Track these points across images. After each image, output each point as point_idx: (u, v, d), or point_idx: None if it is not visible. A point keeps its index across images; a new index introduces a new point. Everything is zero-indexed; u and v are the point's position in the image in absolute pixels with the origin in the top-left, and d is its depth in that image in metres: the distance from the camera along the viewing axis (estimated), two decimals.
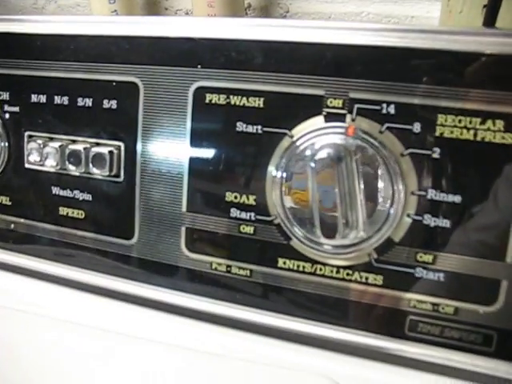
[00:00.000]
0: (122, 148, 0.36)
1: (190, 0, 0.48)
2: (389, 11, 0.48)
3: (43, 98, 0.38)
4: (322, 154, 0.30)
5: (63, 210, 0.38)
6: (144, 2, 0.56)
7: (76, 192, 0.38)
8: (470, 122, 0.29)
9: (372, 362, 0.33)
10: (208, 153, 0.34)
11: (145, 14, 0.56)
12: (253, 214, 0.33)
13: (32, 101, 0.38)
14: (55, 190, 0.38)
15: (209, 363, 0.34)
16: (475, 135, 0.29)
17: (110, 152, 0.36)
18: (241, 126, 0.33)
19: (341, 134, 0.31)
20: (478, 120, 0.29)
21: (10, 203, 0.40)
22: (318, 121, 0.31)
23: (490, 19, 0.41)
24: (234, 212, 0.34)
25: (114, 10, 0.49)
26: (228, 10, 0.47)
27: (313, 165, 0.30)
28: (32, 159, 0.38)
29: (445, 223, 0.30)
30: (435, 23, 0.47)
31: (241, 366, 0.33)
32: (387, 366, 0.33)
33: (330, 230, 0.30)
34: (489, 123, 0.29)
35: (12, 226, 0.41)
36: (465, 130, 0.29)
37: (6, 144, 0.39)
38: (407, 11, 0.48)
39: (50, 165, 0.38)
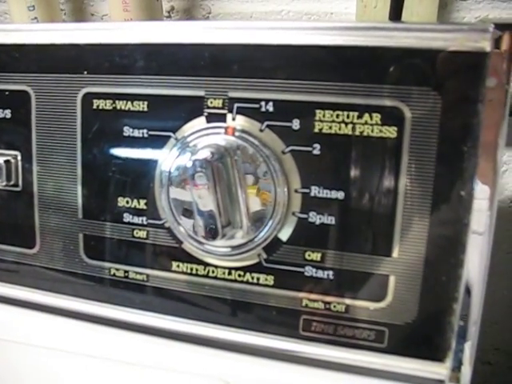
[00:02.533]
0: (19, 157, 0.36)
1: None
2: (308, 8, 0.48)
3: None
4: (202, 155, 0.30)
5: None
6: (70, 9, 0.56)
7: None
8: (348, 117, 0.29)
9: (269, 362, 0.33)
10: (99, 159, 0.34)
11: (70, 20, 0.56)
12: (144, 219, 0.33)
13: None
14: None
15: (104, 366, 0.34)
16: (353, 129, 0.29)
17: (7, 161, 0.36)
18: (127, 131, 0.33)
19: (221, 134, 0.31)
20: (356, 114, 0.29)
21: None
22: (200, 122, 0.31)
23: (395, 14, 0.41)
24: (127, 217, 0.34)
25: (35, 17, 0.49)
26: (144, 15, 0.46)
27: (192, 166, 0.30)
28: None
29: (330, 220, 0.30)
30: (353, 19, 0.47)
31: (136, 369, 0.33)
32: (284, 366, 0.32)
33: (211, 232, 0.30)
34: (366, 117, 0.29)
35: None
36: (343, 125, 0.29)
37: None
38: (326, 8, 0.48)
39: None
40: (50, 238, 0.36)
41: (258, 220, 0.31)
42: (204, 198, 0.29)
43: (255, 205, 0.30)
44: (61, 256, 0.36)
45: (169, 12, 0.52)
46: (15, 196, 0.36)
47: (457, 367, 0.30)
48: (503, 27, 0.27)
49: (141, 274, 0.34)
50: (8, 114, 0.36)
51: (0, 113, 0.36)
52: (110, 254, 0.35)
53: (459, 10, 0.46)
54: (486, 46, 0.27)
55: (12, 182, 0.36)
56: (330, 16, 0.48)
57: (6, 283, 0.38)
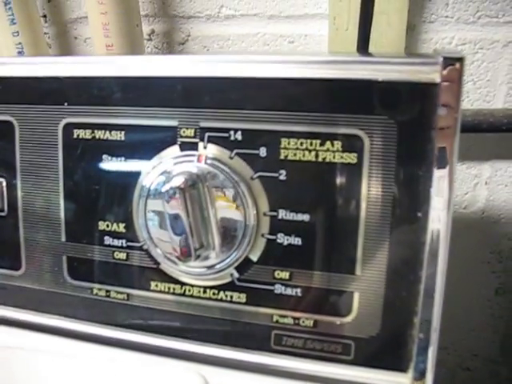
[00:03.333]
0: (4, 184, 0.38)
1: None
2: (283, 31, 0.51)
3: None
4: (175, 182, 0.32)
5: None
6: (53, 33, 0.58)
7: None
8: (311, 144, 0.31)
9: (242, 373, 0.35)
10: (80, 185, 0.36)
11: (55, 43, 0.58)
12: (124, 241, 0.36)
13: None
14: None
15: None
16: (317, 156, 0.31)
17: None
18: (106, 159, 0.35)
19: (194, 161, 0.33)
20: (318, 142, 0.31)
21: None
22: (174, 150, 0.34)
23: (363, 37, 0.43)
24: (108, 240, 0.36)
25: (19, 42, 0.52)
26: (125, 40, 0.49)
27: (167, 192, 0.32)
28: None
29: (297, 241, 0.33)
30: (326, 40, 0.49)
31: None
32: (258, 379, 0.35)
33: (185, 254, 0.32)
34: (328, 144, 0.31)
35: None
36: (307, 152, 0.32)
37: None
38: (300, 30, 0.50)
39: None
40: (35, 260, 0.38)
41: (229, 242, 0.33)
42: (178, 221, 0.32)
43: (226, 228, 0.33)
44: (46, 277, 0.38)
45: (149, 35, 0.54)
46: (0, 220, 0.38)
47: (419, 377, 0.32)
48: (452, 60, 0.29)
49: (122, 293, 0.36)
50: None
51: None
52: (93, 274, 0.37)
53: (427, 32, 0.48)
54: (436, 77, 0.29)
55: None
56: (304, 38, 0.51)
57: None
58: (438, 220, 0.30)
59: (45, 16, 0.58)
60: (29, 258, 0.38)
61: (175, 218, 0.32)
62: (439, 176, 0.30)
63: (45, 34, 0.57)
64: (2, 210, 0.38)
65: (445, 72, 0.29)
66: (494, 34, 0.48)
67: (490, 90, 0.50)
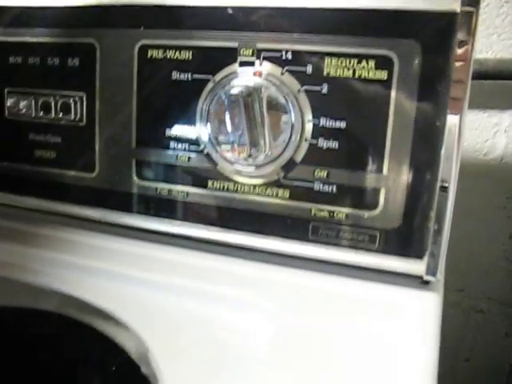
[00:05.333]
0: (84, 98, 0.47)
1: None
2: None
3: (19, 59, 0.49)
4: (235, 91, 0.41)
5: (38, 153, 0.50)
6: None
7: (48, 136, 0.49)
8: (350, 63, 0.40)
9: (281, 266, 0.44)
10: (151, 97, 0.45)
11: None
12: (187, 146, 0.45)
13: (10, 62, 0.50)
14: (31, 136, 0.50)
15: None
16: (354, 73, 0.40)
17: (75, 101, 0.47)
18: (175, 75, 0.44)
19: (251, 76, 0.42)
20: (356, 60, 0.40)
21: None
22: (234, 67, 0.43)
23: None
24: (173, 144, 0.45)
25: None
26: None
27: (228, 100, 0.41)
28: (11, 111, 0.50)
29: (334, 145, 0.41)
30: None
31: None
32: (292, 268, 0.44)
33: (241, 153, 0.41)
34: (363, 63, 0.40)
35: None
36: (346, 69, 0.40)
37: None
38: None
39: (26, 114, 0.49)
40: (106, 163, 0.47)
41: (277, 145, 0.42)
42: (237, 124, 0.41)
43: (276, 133, 0.42)
44: (116, 178, 0.47)
45: None
46: (80, 130, 0.48)
47: (432, 263, 0.41)
48: None
49: (182, 191, 0.45)
50: (77, 62, 0.47)
51: (70, 61, 0.47)
52: (157, 175, 0.46)
53: None
54: (457, 7, 0.38)
55: (78, 118, 0.48)
56: None
57: (68, 203, 0.50)
58: (454, 126, 0.39)
59: None
60: (102, 162, 0.48)
61: (235, 120, 0.41)
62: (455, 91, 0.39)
63: None
64: (81, 121, 0.48)
65: (464, 2, 0.38)
66: None
67: None
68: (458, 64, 0.38)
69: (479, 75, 0.57)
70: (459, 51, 0.38)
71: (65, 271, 0.49)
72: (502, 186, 0.65)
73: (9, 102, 0.50)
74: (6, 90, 0.50)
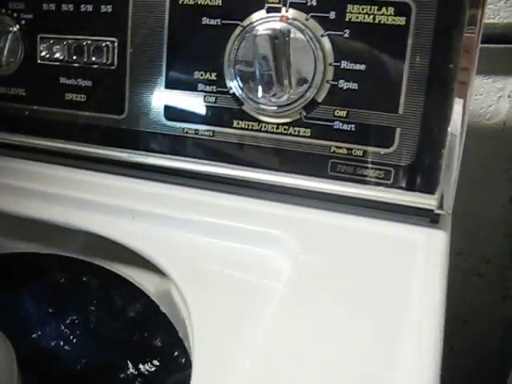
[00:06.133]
0: (116, 44, 0.51)
1: None
2: None
3: (52, 6, 0.53)
4: (263, 33, 0.45)
5: (68, 96, 0.54)
6: None
7: (79, 80, 0.53)
8: (370, 9, 0.44)
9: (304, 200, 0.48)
10: (181, 41, 0.49)
11: None
12: (214, 87, 0.49)
13: (43, 9, 0.53)
14: (62, 80, 0.54)
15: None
16: (374, 19, 0.44)
17: (107, 46, 0.51)
18: (205, 20, 0.48)
19: (277, 21, 0.46)
20: (376, 7, 0.44)
21: (25, 94, 0.56)
22: (261, 13, 0.47)
23: None
24: (201, 86, 0.49)
25: None
26: None
27: (256, 42, 0.45)
28: (43, 56, 0.54)
29: (354, 86, 0.45)
30: None
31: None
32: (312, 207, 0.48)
33: (267, 91, 0.45)
34: (383, 9, 0.44)
35: (26, 112, 0.56)
36: (366, 15, 0.44)
37: (22, 46, 0.55)
38: None
39: (59, 59, 0.53)
40: (136, 105, 0.51)
41: (301, 85, 0.46)
42: (264, 66, 0.45)
43: (300, 74, 0.46)
44: (145, 119, 0.51)
45: None
46: (111, 73, 0.52)
47: (442, 198, 0.45)
48: None
49: (208, 130, 0.49)
50: (109, 8, 0.51)
51: (103, 8, 0.51)
52: (185, 116, 0.50)
53: None
54: None
55: (109, 62, 0.51)
56: None
57: (96, 144, 0.53)
58: (466, 70, 0.43)
59: None
60: (131, 104, 0.51)
61: (262, 62, 0.45)
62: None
63: None
64: (112, 65, 0.51)
65: None
66: None
67: None
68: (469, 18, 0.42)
69: (487, 39, 0.61)
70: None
71: (92, 212, 0.52)
72: (503, 150, 0.69)
73: (42, 48, 0.53)
74: (38, 37, 0.54)
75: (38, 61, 0.54)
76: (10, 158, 0.57)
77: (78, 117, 0.54)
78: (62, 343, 0.60)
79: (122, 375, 0.57)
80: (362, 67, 0.45)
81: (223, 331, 0.38)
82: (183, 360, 0.56)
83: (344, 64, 0.45)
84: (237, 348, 0.37)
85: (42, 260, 0.62)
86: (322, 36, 0.45)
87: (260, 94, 0.46)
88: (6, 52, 0.54)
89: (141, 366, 0.59)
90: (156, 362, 0.59)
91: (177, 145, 0.50)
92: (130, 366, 0.58)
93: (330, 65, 0.45)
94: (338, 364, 0.33)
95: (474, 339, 0.78)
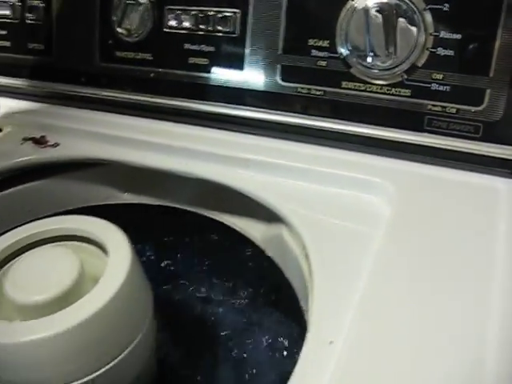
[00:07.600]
0: (239, 15, 0.61)
1: None
2: None
3: None
4: (375, 8, 0.54)
5: (192, 60, 0.64)
6: None
7: (203, 46, 0.63)
8: None
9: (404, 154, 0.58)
10: (297, 13, 0.59)
11: None
12: (326, 53, 0.58)
13: None
14: (187, 46, 0.64)
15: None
16: None
17: (230, 16, 0.61)
18: None
19: None
20: None
21: (151, 58, 0.66)
22: None
23: None
24: (314, 52, 0.59)
25: None
26: None
27: (367, 14, 0.55)
28: (170, 24, 0.64)
29: (450, 53, 0.55)
30: None
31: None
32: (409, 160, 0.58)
33: (375, 59, 0.55)
34: None
35: (152, 74, 0.67)
36: None
37: (152, 16, 0.65)
38: None
39: (185, 28, 0.63)
40: (255, 67, 0.62)
41: (404, 52, 0.55)
42: (374, 31, 0.54)
43: (405, 42, 0.55)
44: (262, 80, 0.61)
45: None
46: (232, 40, 0.62)
47: None
48: None
49: (319, 90, 0.59)
50: None
51: None
52: (299, 78, 0.60)
53: None
54: None
55: (231, 30, 0.62)
56: None
57: (214, 102, 0.64)
58: None
59: None
60: (249, 66, 0.62)
61: (371, 31, 0.55)
62: None
63: None
64: (234, 33, 0.61)
65: None
66: None
67: None
68: None
69: None
70: None
71: (212, 163, 0.62)
72: None
73: (169, 17, 0.64)
74: (166, 8, 0.64)
75: (165, 29, 0.64)
76: (135, 118, 0.68)
77: (201, 78, 0.64)
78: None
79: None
80: (458, 36, 0.54)
81: (337, 262, 0.48)
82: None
83: (443, 34, 0.54)
84: (352, 275, 0.46)
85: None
86: (425, 10, 0.54)
87: (369, 59, 0.55)
88: (137, 21, 0.65)
89: None
90: None
91: (290, 103, 0.61)
92: None
93: (430, 35, 0.55)
94: (439, 297, 0.42)
95: None
